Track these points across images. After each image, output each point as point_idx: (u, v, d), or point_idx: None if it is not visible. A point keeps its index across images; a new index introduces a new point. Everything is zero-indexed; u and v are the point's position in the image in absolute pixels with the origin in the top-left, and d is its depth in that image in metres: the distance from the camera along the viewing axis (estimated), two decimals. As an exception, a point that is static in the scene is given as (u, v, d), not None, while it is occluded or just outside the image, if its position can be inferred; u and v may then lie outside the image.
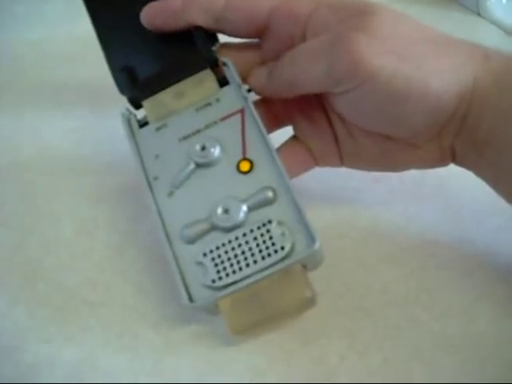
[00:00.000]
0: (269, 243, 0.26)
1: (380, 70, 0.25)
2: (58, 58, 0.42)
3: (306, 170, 0.32)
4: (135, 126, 0.30)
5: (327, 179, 0.34)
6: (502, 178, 0.27)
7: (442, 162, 0.29)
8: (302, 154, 0.31)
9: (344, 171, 0.34)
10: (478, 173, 0.28)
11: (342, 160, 0.31)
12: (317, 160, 0.31)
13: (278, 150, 0.31)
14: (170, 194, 0.28)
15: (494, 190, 0.28)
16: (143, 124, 0.30)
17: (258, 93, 0.30)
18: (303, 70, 0.27)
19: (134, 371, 0.28)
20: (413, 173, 0.34)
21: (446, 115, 0.27)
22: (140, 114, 0.31)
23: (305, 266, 0.26)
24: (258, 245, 0.26)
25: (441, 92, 0.26)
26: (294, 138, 0.32)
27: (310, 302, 0.26)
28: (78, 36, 0.42)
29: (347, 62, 0.25)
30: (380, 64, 0.25)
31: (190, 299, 0.26)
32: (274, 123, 0.32)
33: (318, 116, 0.31)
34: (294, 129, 0.32)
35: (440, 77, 0.26)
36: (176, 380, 0.27)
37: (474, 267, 0.30)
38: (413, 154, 0.29)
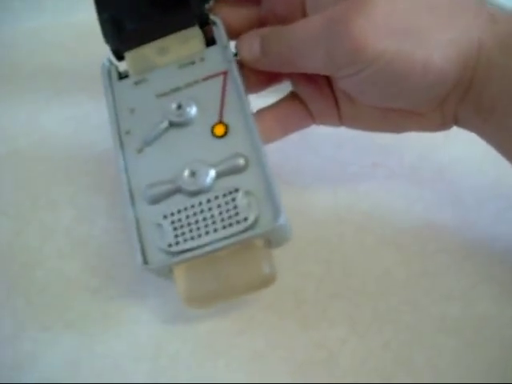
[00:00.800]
0: (232, 212, 0.25)
1: (382, 53, 0.25)
2: (56, 46, 0.42)
3: (303, 127, 0.31)
4: (115, 77, 0.29)
5: (326, 164, 0.34)
6: (510, 142, 0.27)
7: (443, 126, 0.29)
8: (299, 111, 0.30)
9: (343, 156, 0.34)
10: (484, 137, 0.28)
11: (341, 121, 0.30)
12: (314, 118, 0.30)
13: (276, 104, 0.30)
14: (140, 150, 0.27)
15: (501, 154, 0.27)
16: (124, 77, 0.29)
17: (247, 65, 0.28)
18: (302, 54, 0.27)
19: (135, 357, 0.28)
20: (413, 157, 0.34)
21: (450, 86, 0.26)
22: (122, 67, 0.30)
23: (268, 241, 0.25)
24: (220, 213, 0.25)
25: (443, 64, 0.25)
26: (292, 93, 0.31)
27: (268, 280, 0.25)
28: (76, 24, 0.42)
29: (348, 49, 0.25)
30: (382, 47, 0.25)
31: (145, 261, 0.25)
32: (271, 79, 0.30)
33: (318, 76, 0.29)
34: (293, 85, 0.31)
35: (442, 49, 0.25)
36: (177, 364, 0.27)
37: (474, 250, 0.30)
38: (414, 121, 0.28)
